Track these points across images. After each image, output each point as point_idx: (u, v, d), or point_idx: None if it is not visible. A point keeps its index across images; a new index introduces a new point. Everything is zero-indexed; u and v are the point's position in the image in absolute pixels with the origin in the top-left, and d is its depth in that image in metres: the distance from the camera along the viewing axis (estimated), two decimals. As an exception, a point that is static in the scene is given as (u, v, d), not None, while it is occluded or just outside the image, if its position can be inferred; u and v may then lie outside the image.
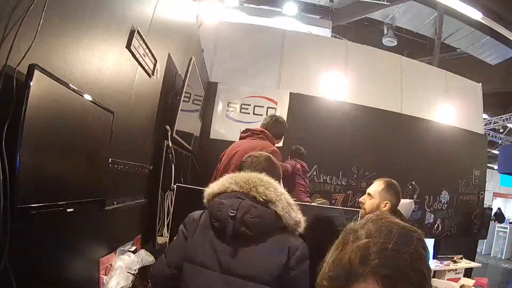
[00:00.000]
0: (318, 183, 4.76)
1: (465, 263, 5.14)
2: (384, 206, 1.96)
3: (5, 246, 0.84)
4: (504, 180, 13.61)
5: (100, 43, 1.35)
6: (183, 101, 2.51)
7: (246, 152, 1.96)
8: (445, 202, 5.35)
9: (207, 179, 4.37)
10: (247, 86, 4.80)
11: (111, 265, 1.62)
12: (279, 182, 1.58)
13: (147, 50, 1.83)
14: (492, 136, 12.45)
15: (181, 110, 2.44)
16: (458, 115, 5.64)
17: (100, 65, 1.38)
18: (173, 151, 2.22)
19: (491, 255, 10.16)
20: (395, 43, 9.39)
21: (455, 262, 4.92)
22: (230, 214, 1.30)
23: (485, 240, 8.67)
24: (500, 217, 11.51)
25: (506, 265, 8.99)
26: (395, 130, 5.10)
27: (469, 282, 4.73)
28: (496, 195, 13.74)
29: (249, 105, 4.75)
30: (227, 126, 4.71)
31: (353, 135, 4.87)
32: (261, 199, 1.34)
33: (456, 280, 4.69)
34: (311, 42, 5.48)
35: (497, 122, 11.81)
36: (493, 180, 12.93)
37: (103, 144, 1.39)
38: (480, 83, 6.05)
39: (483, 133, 6.08)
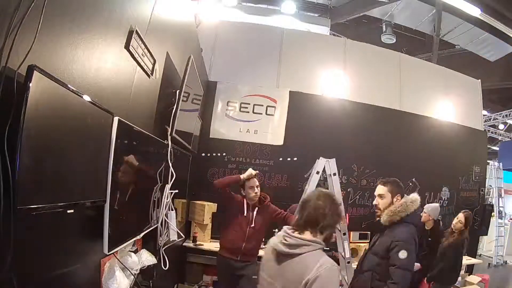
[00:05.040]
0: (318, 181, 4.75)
1: (466, 260, 5.15)
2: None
3: (6, 246, 0.84)
4: (504, 176, 13.55)
5: (98, 44, 1.35)
6: (182, 100, 2.50)
7: None
8: (446, 199, 5.35)
9: (206, 178, 4.42)
10: (246, 85, 4.80)
11: (112, 265, 1.63)
12: None
13: (145, 50, 1.84)
14: (491, 132, 12.45)
15: (180, 109, 2.44)
16: (457, 111, 5.64)
17: (99, 66, 1.38)
18: (171, 149, 2.23)
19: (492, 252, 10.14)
20: (394, 41, 9.38)
21: (456, 258, 4.91)
22: None
23: (485, 236, 8.65)
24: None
25: (507, 262, 8.99)
26: (395, 127, 5.10)
27: (475, 279, 4.74)
28: (496, 191, 13.66)
29: (249, 104, 4.75)
30: (226, 125, 4.71)
31: (352, 133, 4.87)
32: None
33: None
34: (309, 41, 5.47)
35: (497, 119, 11.82)
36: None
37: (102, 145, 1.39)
38: (479, 80, 6.04)
39: (483, 130, 6.08)
